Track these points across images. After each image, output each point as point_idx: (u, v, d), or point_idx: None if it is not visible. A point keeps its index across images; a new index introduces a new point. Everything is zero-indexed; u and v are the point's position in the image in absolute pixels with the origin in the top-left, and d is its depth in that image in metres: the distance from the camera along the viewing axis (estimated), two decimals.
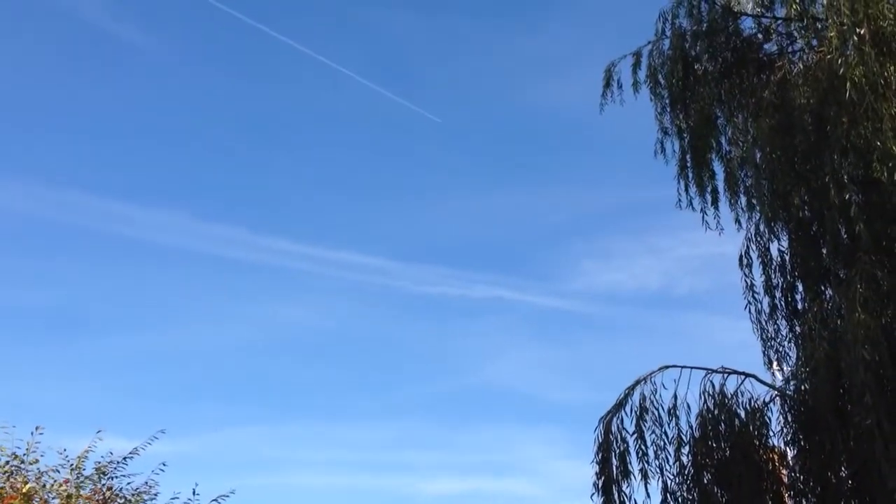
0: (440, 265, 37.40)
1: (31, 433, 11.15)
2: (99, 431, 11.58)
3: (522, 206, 37.68)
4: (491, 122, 40.40)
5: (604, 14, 35.42)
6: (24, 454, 11.08)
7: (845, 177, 9.22)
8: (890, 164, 8.43)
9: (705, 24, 11.83)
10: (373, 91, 36.12)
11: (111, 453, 11.63)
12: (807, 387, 9.42)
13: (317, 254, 35.90)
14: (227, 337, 35.72)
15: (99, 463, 11.51)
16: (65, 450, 11.34)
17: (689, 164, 12.08)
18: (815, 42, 10.47)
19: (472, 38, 39.91)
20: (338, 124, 39.74)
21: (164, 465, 11.71)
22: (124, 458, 11.64)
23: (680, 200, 12.15)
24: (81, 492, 11.12)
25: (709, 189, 12.12)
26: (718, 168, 12.12)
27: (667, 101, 12.14)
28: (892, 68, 8.90)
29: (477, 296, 36.63)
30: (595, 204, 38.82)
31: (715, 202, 12.13)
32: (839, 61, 8.96)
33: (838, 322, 9.23)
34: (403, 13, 39.65)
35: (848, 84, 8.78)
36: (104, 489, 11.31)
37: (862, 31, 9.05)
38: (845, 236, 9.57)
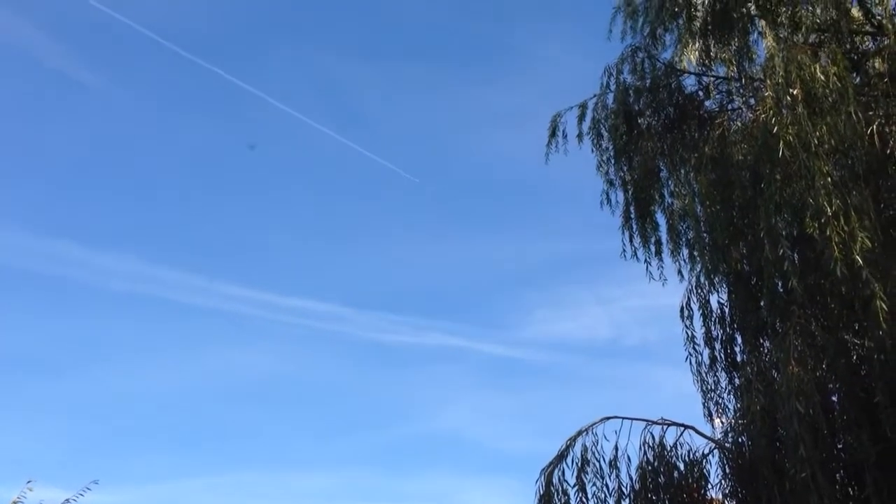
0: (393, 312, 37.09)
1: None
2: (29, 481, 11.28)
3: (476, 254, 37.75)
4: (444, 171, 40.69)
5: (558, 67, 36.07)
6: None
7: (782, 232, 9.42)
8: (822, 221, 8.63)
9: (648, 80, 12.12)
10: (326, 136, 36.13)
11: None
12: (744, 439, 9.50)
13: (269, 300, 35.42)
14: (174, 384, 34.92)
15: None
16: None
17: (633, 216, 12.26)
18: (752, 101, 10.79)
19: (423, 86, 40.33)
20: (290, 169, 39.60)
21: None
22: None
23: (625, 251, 12.32)
24: None
25: (652, 240, 12.29)
26: (662, 220, 12.33)
27: (611, 154, 12.34)
28: (823, 128, 9.16)
29: (430, 343, 36.52)
30: (548, 253, 39.09)
31: (659, 253, 12.29)
32: (773, 121, 9.20)
33: (775, 375, 9.37)
34: (356, 60, 39.92)
35: (781, 143, 9.02)
36: None
37: (795, 92, 9.33)
38: (782, 290, 9.73)
